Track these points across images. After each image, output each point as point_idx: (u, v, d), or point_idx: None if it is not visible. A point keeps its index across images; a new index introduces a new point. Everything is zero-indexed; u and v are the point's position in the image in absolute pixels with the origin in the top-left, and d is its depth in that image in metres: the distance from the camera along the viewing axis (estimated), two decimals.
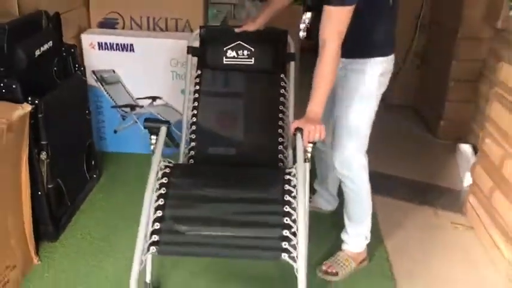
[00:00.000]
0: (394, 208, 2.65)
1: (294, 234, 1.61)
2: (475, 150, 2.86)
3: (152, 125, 1.82)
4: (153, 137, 1.80)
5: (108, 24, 2.96)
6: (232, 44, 2.21)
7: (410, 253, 2.31)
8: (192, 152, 2.12)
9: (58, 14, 2.39)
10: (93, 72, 2.86)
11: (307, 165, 1.76)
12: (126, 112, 2.98)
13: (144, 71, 2.86)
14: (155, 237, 1.62)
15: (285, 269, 1.63)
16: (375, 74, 1.92)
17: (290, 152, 2.09)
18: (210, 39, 2.27)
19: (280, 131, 2.16)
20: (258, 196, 1.73)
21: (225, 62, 2.23)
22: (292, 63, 2.29)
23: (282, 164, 2.09)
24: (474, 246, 2.38)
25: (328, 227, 2.39)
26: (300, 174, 1.67)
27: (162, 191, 1.70)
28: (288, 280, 1.63)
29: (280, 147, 2.13)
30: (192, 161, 2.11)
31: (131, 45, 2.81)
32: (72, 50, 2.48)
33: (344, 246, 2.20)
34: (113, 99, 2.94)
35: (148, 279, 1.93)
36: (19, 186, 1.97)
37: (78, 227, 2.37)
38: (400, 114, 3.79)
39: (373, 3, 1.81)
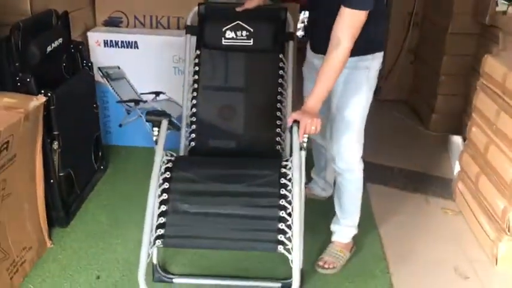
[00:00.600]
0: (387, 196, 2.72)
1: (289, 227, 1.69)
2: (465, 141, 2.94)
3: (154, 118, 1.90)
4: (155, 129, 1.89)
5: (113, 23, 3.03)
6: (231, 24, 2.16)
7: (403, 237, 2.38)
8: (193, 135, 2.18)
9: (67, 12, 2.46)
10: (99, 68, 2.92)
11: (303, 153, 1.80)
12: (130, 107, 3.04)
13: (147, 67, 2.93)
14: (160, 231, 1.73)
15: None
16: (375, 68, 1.97)
17: (288, 135, 2.10)
18: (209, 17, 2.23)
19: (278, 113, 2.18)
20: (255, 190, 1.81)
21: (223, 43, 2.18)
22: (291, 43, 2.26)
23: (279, 147, 2.14)
24: (463, 230, 2.45)
25: (321, 214, 2.39)
26: (296, 172, 1.73)
27: (165, 185, 1.79)
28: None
29: (278, 130, 2.16)
30: (193, 143, 2.15)
31: (135, 42, 2.88)
32: (80, 47, 2.55)
33: (335, 237, 2.20)
34: (118, 95, 3.01)
35: (155, 260, 2.01)
36: (34, 174, 2.06)
37: (87, 213, 2.45)
38: (394, 109, 3.85)
39: (377, 4, 1.82)
